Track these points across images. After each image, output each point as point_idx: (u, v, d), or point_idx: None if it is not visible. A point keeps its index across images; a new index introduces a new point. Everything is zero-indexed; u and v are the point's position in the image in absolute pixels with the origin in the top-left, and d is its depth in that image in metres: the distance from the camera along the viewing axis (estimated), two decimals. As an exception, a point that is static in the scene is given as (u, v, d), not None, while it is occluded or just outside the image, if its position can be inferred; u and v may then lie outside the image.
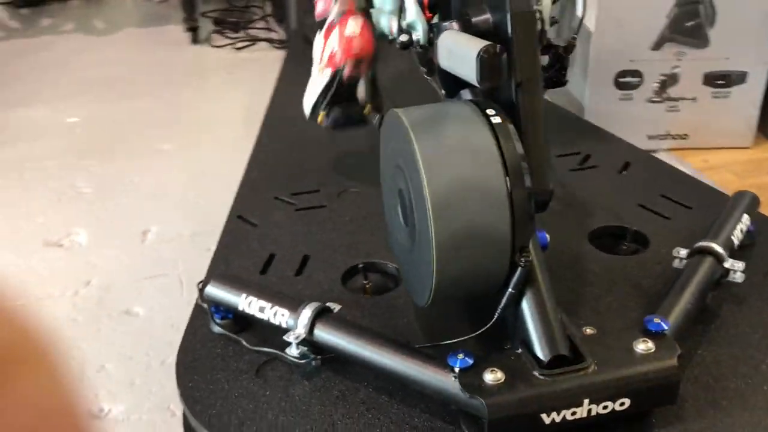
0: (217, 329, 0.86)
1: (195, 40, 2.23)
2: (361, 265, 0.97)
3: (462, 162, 0.69)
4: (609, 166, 1.21)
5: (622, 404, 0.68)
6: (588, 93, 1.46)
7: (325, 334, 0.77)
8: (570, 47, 0.87)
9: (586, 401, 0.67)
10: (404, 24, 0.93)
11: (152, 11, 2.58)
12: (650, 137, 1.49)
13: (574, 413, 0.67)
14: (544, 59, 0.89)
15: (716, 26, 1.38)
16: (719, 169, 1.43)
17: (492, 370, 0.68)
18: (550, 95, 1.56)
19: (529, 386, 0.67)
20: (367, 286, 0.96)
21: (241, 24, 2.31)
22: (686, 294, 0.82)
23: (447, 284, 0.71)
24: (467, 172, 0.68)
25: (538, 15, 0.82)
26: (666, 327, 0.73)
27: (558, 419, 0.67)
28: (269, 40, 2.21)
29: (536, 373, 0.68)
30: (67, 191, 1.43)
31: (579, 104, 1.50)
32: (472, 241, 0.68)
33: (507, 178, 0.68)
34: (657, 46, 1.40)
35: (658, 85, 1.44)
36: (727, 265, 0.85)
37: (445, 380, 0.69)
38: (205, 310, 0.87)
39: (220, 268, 0.97)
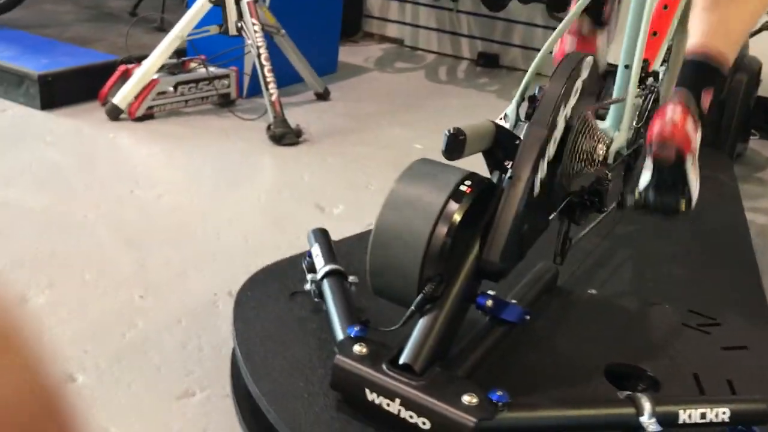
0: (303, 264, 1.23)
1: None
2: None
3: (408, 211, 0.92)
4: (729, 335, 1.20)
5: (424, 423, 0.85)
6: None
7: (323, 286, 1.09)
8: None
9: (398, 401, 0.87)
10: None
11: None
12: None
13: (388, 404, 0.87)
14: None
15: None
16: None
17: (362, 345, 0.92)
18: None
19: (369, 367, 0.89)
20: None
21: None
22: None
23: (378, 289, 0.96)
24: (406, 219, 0.92)
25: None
26: (503, 400, 0.85)
27: (377, 402, 0.88)
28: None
29: (383, 365, 0.89)
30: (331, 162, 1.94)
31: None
32: (392, 267, 0.93)
33: (434, 229, 0.90)
34: None
35: None
36: (641, 419, 0.87)
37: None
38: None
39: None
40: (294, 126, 2.20)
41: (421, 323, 0.92)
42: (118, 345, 1.19)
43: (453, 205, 0.91)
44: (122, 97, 2.22)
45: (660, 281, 1.37)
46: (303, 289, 1.16)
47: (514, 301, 1.10)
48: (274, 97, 2.21)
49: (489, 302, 0.99)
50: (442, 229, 0.90)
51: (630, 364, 1.10)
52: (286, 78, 2.59)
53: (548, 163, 0.98)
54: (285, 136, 2.16)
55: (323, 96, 2.65)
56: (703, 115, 1.15)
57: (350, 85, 2.90)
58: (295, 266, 1.24)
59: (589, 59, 1.06)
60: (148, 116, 2.25)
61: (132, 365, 1.15)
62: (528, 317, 1.10)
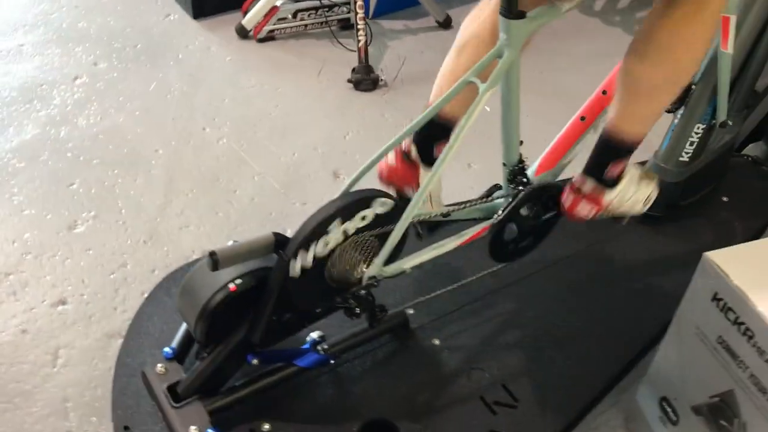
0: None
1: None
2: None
3: (194, 293, 1.27)
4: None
5: (170, 434, 1.29)
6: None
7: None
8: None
9: (162, 413, 1.30)
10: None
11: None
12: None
13: (160, 412, 1.31)
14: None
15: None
16: None
17: (163, 367, 1.35)
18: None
19: (156, 384, 1.32)
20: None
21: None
22: None
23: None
24: (194, 297, 1.27)
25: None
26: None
27: (158, 405, 1.32)
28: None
29: (164, 386, 1.32)
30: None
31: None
32: (185, 316, 1.30)
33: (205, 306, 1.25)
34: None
35: None
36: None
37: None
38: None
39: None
40: (375, 73, 2.44)
41: (195, 367, 1.32)
42: (105, 280, 1.75)
43: (219, 294, 1.25)
44: (249, 18, 2.62)
45: (508, 346, 1.54)
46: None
47: (324, 347, 1.43)
48: (360, 44, 2.44)
49: (255, 361, 1.35)
50: (211, 306, 1.25)
51: (387, 420, 1.38)
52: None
53: (304, 277, 1.24)
54: (362, 83, 2.42)
55: (444, 24, 2.77)
56: (610, 181, 1.41)
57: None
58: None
59: (383, 200, 1.25)
60: (269, 38, 2.64)
61: (104, 300, 1.70)
62: (332, 361, 1.44)
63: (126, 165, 2.08)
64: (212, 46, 2.61)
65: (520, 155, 1.41)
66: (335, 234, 1.22)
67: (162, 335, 1.51)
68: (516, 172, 1.41)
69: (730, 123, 1.94)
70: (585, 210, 1.42)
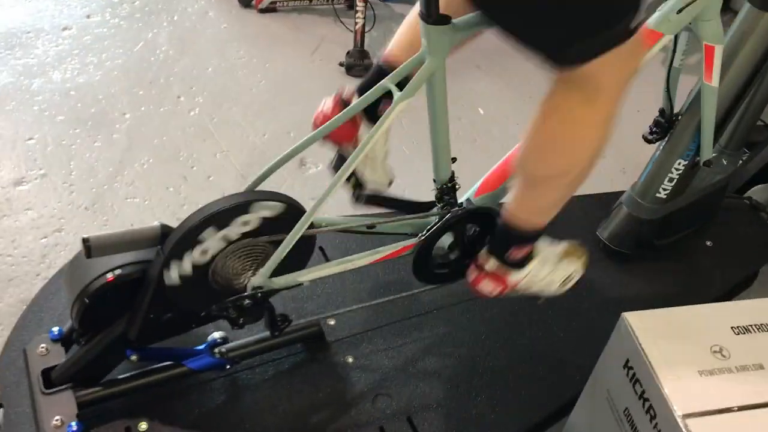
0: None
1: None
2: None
3: (78, 273, 1.19)
4: None
5: (33, 421, 1.22)
6: None
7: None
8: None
9: (32, 398, 1.23)
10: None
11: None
12: None
13: (31, 394, 1.25)
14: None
15: None
16: None
17: (45, 347, 1.28)
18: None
19: (33, 365, 1.26)
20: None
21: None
22: None
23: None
24: (76, 277, 1.19)
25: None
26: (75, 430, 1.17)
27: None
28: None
29: (41, 368, 1.25)
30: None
31: None
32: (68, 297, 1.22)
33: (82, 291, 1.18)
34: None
35: None
36: None
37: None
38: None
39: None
40: (369, 59, 2.31)
41: (72, 355, 1.25)
42: (35, 244, 1.69)
43: (96, 283, 1.17)
44: (252, -13, 2.52)
45: (424, 375, 1.42)
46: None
47: (222, 350, 1.34)
48: (357, 26, 2.31)
49: (134, 357, 1.26)
50: (86, 293, 1.17)
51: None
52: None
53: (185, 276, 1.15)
54: (353, 68, 2.30)
55: (457, 16, 2.61)
56: (513, 262, 1.28)
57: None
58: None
59: (270, 204, 1.14)
60: (271, 9, 2.53)
61: (29, 264, 1.64)
62: (228, 367, 1.35)
63: (89, 126, 2.02)
64: (211, 11, 2.52)
65: (453, 173, 1.28)
66: (213, 242, 1.12)
67: (65, 312, 1.43)
68: (444, 191, 1.28)
69: (724, 162, 1.78)
70: (488, 288, 1.32)
